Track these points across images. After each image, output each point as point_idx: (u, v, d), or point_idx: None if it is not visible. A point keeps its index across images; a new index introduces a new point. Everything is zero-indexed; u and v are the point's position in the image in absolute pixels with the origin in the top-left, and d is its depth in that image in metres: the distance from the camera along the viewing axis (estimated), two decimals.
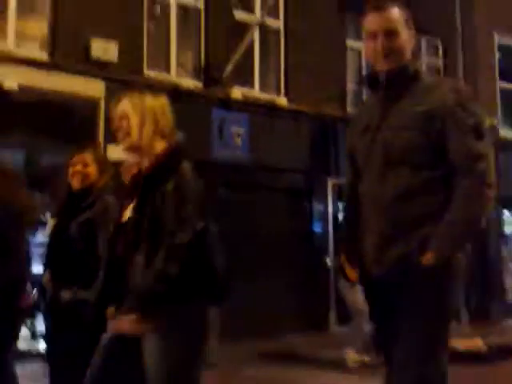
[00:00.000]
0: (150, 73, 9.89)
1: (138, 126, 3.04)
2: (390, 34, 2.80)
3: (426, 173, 2.70)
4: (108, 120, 9.55)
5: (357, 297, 7.38)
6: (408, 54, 2.86)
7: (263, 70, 11.20)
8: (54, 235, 4.27)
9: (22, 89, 8.28)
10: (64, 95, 8.70)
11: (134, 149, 3.11)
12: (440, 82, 2.96)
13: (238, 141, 10.34)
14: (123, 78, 9.28)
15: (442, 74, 13.46)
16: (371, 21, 2.84)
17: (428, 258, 2.63)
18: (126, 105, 3.11)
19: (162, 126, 3.11)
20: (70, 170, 4.26)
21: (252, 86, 10.97)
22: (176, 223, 2.80)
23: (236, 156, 10.29)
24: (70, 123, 8.86)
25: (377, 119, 2.83)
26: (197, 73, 10.49)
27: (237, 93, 10.53)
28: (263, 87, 11.12)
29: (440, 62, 13.54)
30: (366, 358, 7.17)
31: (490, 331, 10.46)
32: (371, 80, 2.92)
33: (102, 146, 9.00)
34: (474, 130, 2.71)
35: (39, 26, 9.16)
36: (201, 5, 10.51)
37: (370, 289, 2.93)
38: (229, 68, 10.15)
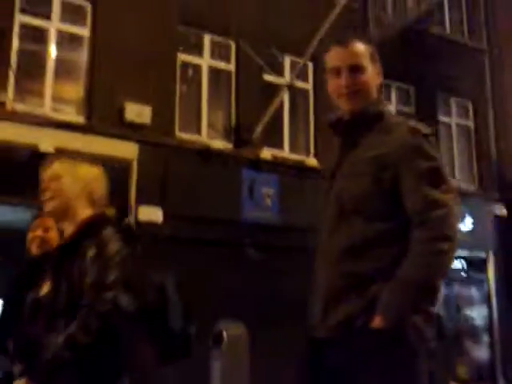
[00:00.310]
0: (181, 135, 10.06)
1: (67, 189, 2.94)
2: (355, 69, 2.59)
3: (381, 223, 2.44)
4: (141, 180, 9.70)
5: None
6: (374, 92, 2.65)
7: (293, 131, 11.31)
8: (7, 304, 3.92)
9: (58, 151, 8.48)
10: (98, 157, 8.83)
11: (57, 213, 2.96)
12: (400, 122, 2.62)
13: (268, 201, 10.35)
14: (156, 141, 9.46)
15: (473, 131, 13.41)
16: (334, 56, 2.64)
17: (376, 322, 2.31)
18: (58, 167, 3.00)
19: (92, 193, 3.00)
20: (30, 235, 3.95)
21: (282, 146, 11.06)
22: (94, 291, 2.65)
23: (266, 216, 10.28)
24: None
25: (333, 167, 2.67)
26: (227, 134, 10.65)
27: (266, 153, 10.63)
28: (293, 148, 11.20)
29: (471, 123, 13.51)
30: None
31: None
32: (334, 124, 2.71)
33: (134, 207, 9.12)
34: (430, 175, 2.43)
35: (75, 90, 9.46)
36: (232, 67, 10.75)
37: (314, 354, 2.57)
38: (259, 129, 10.28)
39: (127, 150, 9.28)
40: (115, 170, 9.09)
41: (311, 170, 10.94)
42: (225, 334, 7.44)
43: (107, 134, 9.08)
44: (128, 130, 9.32)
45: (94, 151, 8.81)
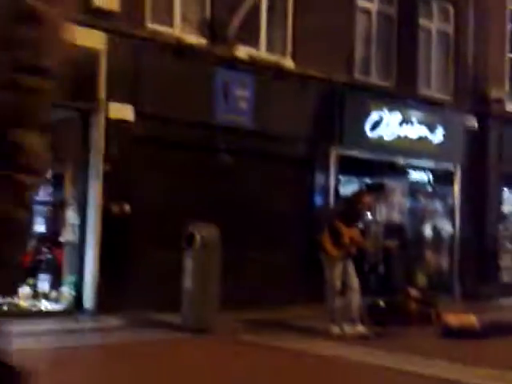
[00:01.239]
0: (153, 26, 9.40)
1: None
2: None
3: None
4: (110, 75, 9.14)
5: (333, 272, 7.48)
6: None
7: (270, 31, 10.73)
8: None
9: None
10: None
11: None
12: None
13: (243, 104, 9.95)
14: (125, 31, 8.83)
15: (452, 39, 13.09)
16: None
17: None
18: None
19: None
20: None
21: (258, 46, 10.52)
22: None
23: (240, 120, 9.92)
24: (70, 76, 8.39)
25: None
26: (201, 28, 10.01)
27: (242, 52, 10.10)
28: (269, 48, 10.68)
29: (451, 28, 13.12)
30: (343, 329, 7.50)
31: (484, 309, 10.51)
32: None
33: (104, 103, 8.61)
34: None
35: None
36: None
37: None
38: (234, 24, 9.70)
39: (94, 39, 8.63)
40: (82, 62, 8.59)
41: (288, 72, 10.54)
42: (197, 235, 7.36)
43: (72, 21, 8.33)
44: (95, 18, 8.61)
45: None
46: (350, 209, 7.85)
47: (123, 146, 8.77)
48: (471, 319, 7.98)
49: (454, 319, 7.97)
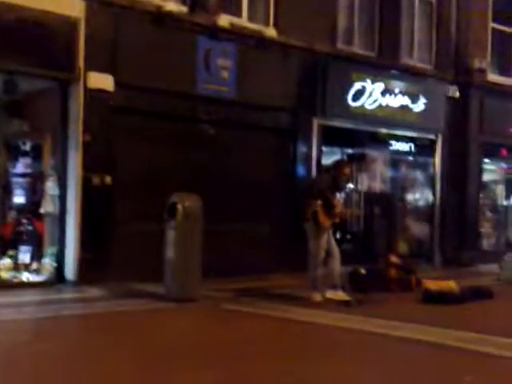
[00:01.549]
0: None
1: None
2: None
3: None
4: (89, 44, 8.97)
5: (319, 242, 7.54)
6: None
7: None
8: None
9: None
10: (41, 14, 8.04)
11: None
12: None
13: (225, 74, 9.84)
14: None
15: (435, 8, 13.02)
16: None
17: None
18: None
19: None
20: None
21: (240, 14, 10.38)
22: None
23: (222, 90, 9.82)
24: (48, 45, 8.25)
25: None
26: None
27: (224, 21, 9.96)
28: (252, 17, 10.54)
29: None
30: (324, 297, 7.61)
31: (463, 275, 10.72)
32: None
33: (83, 73, 8.47)
34: None
35: None
36: None
37: None
38: None
39: (72, 6, 8.47)
40: (60, 30, 8.44)
41: (270, 41, 10.43)
42: (179, 205, 7.31)
43: None
44: None
45: (35, 7, 8.01)
46: (332, 179, 7.86)
47: (103, 116, 8.67)
48: (451, 285, 8.12)
49: (433, 285, 8.09)
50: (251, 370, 4.48)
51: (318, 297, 7.61)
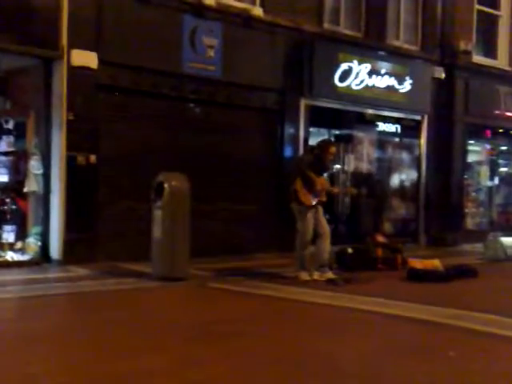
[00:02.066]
0: None
1: None
2: None
3: None
4: (73, 21, 8.84)
5: (306, 222, 7.59)
6: None
7: None
8: None
9: None
10: None
11: None
12: None
13: (211, 53, 9.75)
14: None
15: None
16: None
17: None
18: None
19: None
20: None
21: None
22: None
23: (208, 69, 9.74)
24: (31, 22, 8.11)
25: None
26: None
27: None
28: None
29: None
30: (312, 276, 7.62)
31: (448, 254, 10.87)
32: None
33: (66, 50, 8.35)
34: None
35: None
36: None
37: None
38: None
39: None
40: (43, 7, 8.30)
41: (257, 20, 10.35)
42: (166, 184, 7.26)
43: None
44: None
45: None
46: (318, 159, 7.83)
47: (87, 94, 8.56)
48: (435, 263, 8.20)
49: (419, 264, 8.17)
50: (238, 347, 4.49)
51: (305, 276, 7.63)
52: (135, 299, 6.44)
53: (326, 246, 7.69)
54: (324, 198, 7.81)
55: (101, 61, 8.61)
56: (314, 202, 7.62)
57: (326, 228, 7.73)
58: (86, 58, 8.50)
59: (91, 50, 8.55)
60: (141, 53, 8.97)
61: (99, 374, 3.70)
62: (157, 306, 6.15)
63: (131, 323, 5.19)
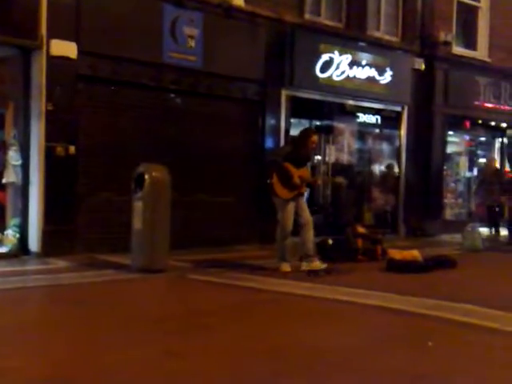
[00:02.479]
0: None
1: None
2: None
3: None
4: (52, 11, 8.74)
5: (286, 214, 7.59)
6: None
7: None
8: None
9: None
10: None
11: None
12: None
13: (192, 43, 9.69)
14: None
15: None
16: None
17: None
18: None
19: None
20: None
21: None
22: None
23: (188, 59, 9.68)
24: (9, 12, 8.00)
25: None
26: None
27: None
28: None
29: None
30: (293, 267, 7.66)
31: (427, 244, 11.00)
32: None
33: (45, 40, 8.24)
34: None
35: None
36: None
37: None
38: None
39: None
40: None
41: (238, 10, 10.29)
42: (146, 175, 7.22)
43: None
44: None
45: None
46: (298, 150, 7.79)
47: (66, 84, 8.47)
48: (414, 254, 8.28)
49: (398, 254, 8.24)
50: (218, 339, 4.51)
51: (286, 267, 7.65)
52: (115, 291, 6.41)
53: (310, 236, 7.70)
54: (304, 190, 7.81)
55: (80, 51, 8.51)
56: (291, 196, 7.62)
57: (308, 218, 7.72)
58: (65, 48, 8.40)
59: (71, 40, 8.45)
60: (121, 43, 8.89)
61: (79, 368, 3.69)
62: (137, 298, 6.14)
63: (111, 315, 5.18)
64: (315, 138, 7.98)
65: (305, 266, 7.65)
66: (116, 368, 3.69)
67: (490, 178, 12.94)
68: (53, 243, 8.26)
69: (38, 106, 8.33)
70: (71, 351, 4.07)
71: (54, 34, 8.32)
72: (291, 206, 7.62)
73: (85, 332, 4.60)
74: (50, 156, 8.34)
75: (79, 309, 5.42)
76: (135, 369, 3.68)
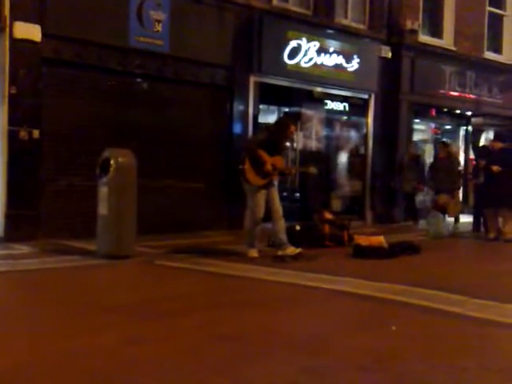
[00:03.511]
0: None
1: None
2: None
3: None
4: None
5: (256, 201, 7.57)
6: None
7: None
8: None
9: None
10: None
11: None
12: None
13: (158, 27, 9.57)
14: None
15: None
16: None
17: None
18: None
19: None
20: None
21: None
22: None
23: (155, 43, 9.56)
24: None
25: None
26: None
27: None
28: None
29: None
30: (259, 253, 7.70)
31: (393, 230, 11.16)
32: None
33: (8, 23, 8.05)
34: None
35: None
36: None
37: None
38: None
39: None
40: None
41: None
42: (112, 160, 7.12)
43: None
44: None
45: None
46: (274, 138, 7.70)
47: (30, 67, 8.30)
48: (380, 240, 8.37)
49: (364, 240, 8.33)
50: (180, 325, 4.50)
51: (254, 253, 7.66)
52: (80, 277, 6.35)
53: (281, 226, 7.66)
54: (275, 177, 7.77)
55: (44, 34, 8.35)
56: (262, 183, 7.60)
57: (277, 207, 7.67)
58: (29, 31, 8.23)
59: (34, 23, 8.29)
60: (86, 26, 8.75)
61: (38, 354, 3.64)
62: (102, 284, 6.09)
63: (74, 302, 5.12)
64: (293, 128, 7.96)
65: (280, 252, 7.63)
66: (76, 355, 3.64)
67: (407, 163, 12.76)
68: (16, 228, 8.12)
69: (1, 89, 8.16)
70: (31, 338, 4.01)
71: (17, 16, 8.15)
72: (262, 194, 7.59)
73: (46, 319, 4.53)
74: (13, 140, 8.18)
75: (41, 295, 5.35)
76: (96, 356, 3.64)
